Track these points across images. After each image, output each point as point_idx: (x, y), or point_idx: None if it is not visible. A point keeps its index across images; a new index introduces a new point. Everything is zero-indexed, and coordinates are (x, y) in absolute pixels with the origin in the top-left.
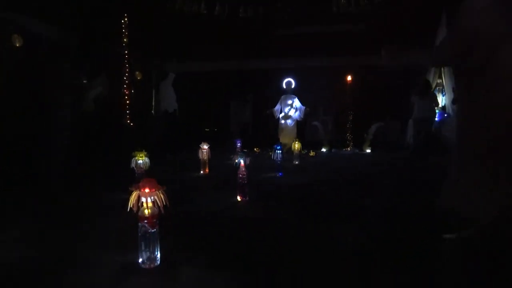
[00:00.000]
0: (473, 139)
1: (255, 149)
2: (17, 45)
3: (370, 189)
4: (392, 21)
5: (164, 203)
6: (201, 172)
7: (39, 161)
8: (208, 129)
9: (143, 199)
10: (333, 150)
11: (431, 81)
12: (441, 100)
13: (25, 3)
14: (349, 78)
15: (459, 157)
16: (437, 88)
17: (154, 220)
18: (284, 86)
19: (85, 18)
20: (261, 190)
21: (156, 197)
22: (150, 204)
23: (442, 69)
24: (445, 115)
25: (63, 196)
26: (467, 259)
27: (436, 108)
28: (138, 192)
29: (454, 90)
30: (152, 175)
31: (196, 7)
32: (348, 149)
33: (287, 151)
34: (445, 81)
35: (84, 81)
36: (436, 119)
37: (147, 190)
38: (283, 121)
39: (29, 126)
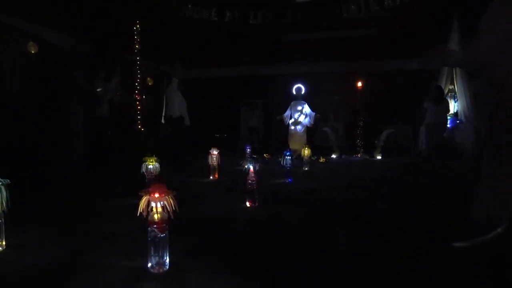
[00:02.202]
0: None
1: (265, 155)
2: (32, 52)
3: (380, 195)
4: (402, 26)
5: (174, 208)
6: (211, 177)
7: (51, 165)
8: (218, 135)
9: (153, 204)
10: (343, 157)
11: (443, 88)
12: (453, 106)
13: (40, 13)
14: (359, 83)
15: (493, 163)
16: (449, 94)
17: (164, 225)
18: (294, 92)
19: (97, 25)
20: (270, 195)
21: (165, 202)
22: (159, 209)
23: (454, 75)
24: (458, 121)
25: (74, 200)
26: (480, 267)
27: (448, 114)
28: (148, 197)
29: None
30: (162, 180)
31: (206, 14)
32: (359, 155)
33: (297, 157)
34: (457, 87)
35: (98, 89)
36: (449, 125)
37: (156, 195)
38: (293, 127)
39: (42, 130)
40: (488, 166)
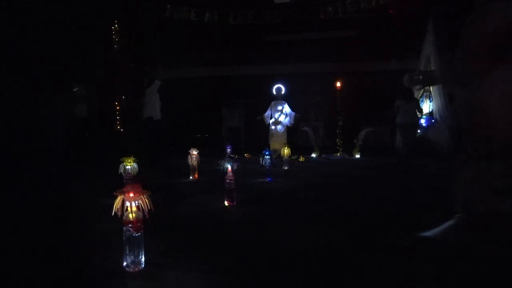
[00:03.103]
0: (487, 138)
1: (246, 155)
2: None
3: (356, 193)
4: (381, 28)
5: (149, 207)
6: (191, 177)
7: (30, 165)
8: (200, 135)
9: (128, 204)
10: (323, 156)
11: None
12: (429, 106)
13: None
14: (339, 84)
15: (473, 157)
16: (425, 94)
17: (139, 224)
18: (274, 92)
19: (78, 25)
20: (249, 195)
21: (140, 201)
22: (134, 209)
23: None
24: (433, 120)
25: (51, 200)
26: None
27: (418, 113)
28: (122, 196)
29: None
30: (140, 181)
31: (186, 14)
32: (338, 154)
33: (277, 156)
34: (433, 87)
35: (75, 89)
36: (424, 124)
37: (131, 195)
38: (273, 127)
39: (22, 131)
40: (468, 163)
